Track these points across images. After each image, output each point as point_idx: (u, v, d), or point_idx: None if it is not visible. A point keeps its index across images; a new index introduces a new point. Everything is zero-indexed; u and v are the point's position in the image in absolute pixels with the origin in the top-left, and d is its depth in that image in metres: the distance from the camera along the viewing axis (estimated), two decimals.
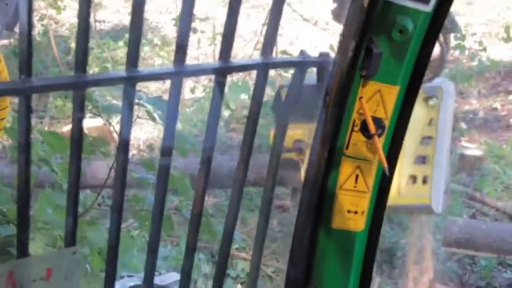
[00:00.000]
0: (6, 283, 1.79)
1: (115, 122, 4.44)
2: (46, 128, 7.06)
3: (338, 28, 1.99)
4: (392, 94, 1.95)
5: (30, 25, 1.67)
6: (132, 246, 4.44)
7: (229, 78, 1.99)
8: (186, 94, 8.98)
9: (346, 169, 2.02)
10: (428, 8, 1.85)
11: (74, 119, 1.79)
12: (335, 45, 1.97)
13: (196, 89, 9.62)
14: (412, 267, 5.22)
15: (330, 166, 2.02)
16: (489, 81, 10.82)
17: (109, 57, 9.09)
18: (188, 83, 9.19)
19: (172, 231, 4.71)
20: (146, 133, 8.44)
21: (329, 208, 2.05)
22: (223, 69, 1.92)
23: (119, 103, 2.34)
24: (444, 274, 6.60)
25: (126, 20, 10.17)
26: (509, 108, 10.30)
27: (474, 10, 12.59)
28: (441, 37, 3.66)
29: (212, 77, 1.93)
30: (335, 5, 3.75)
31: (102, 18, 10.94)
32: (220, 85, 1.93)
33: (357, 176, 2.02)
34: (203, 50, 10.55)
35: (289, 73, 3.46)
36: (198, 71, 2.22)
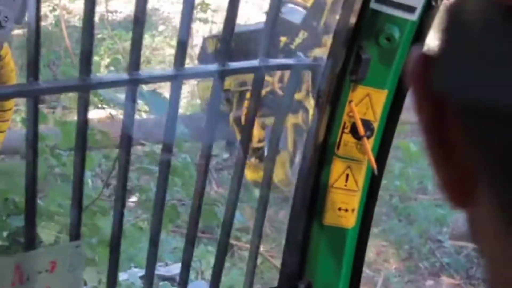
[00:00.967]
0: (14, 274, 1.89)
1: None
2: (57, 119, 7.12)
3: None
4: (380, 98, 2.04)
5: (38, 28, 1.73)
6: (140, 238, 4.53)
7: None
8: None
9: (337, 169, 2.11)
10: (414, 17, 1.94)
11: (79, 117, 1.86)
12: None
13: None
14: None
15: (322, 166, 2.11)
16: None
17: (120, 48, 9.13)
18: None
19: (180, 222, 4.79)
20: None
21: (321, 205, 2.13)
22: (222, 72, 2.00)
23: (121, 95, 2.41)
24: (450, 267, 6.64)
25: None
26: None
27: None
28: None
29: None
30: None
31: (114, 8, 10.97)
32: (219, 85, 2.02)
33: (347, 176, 2.11)
34: None
35: None
36: (198, 74, 2.30)
